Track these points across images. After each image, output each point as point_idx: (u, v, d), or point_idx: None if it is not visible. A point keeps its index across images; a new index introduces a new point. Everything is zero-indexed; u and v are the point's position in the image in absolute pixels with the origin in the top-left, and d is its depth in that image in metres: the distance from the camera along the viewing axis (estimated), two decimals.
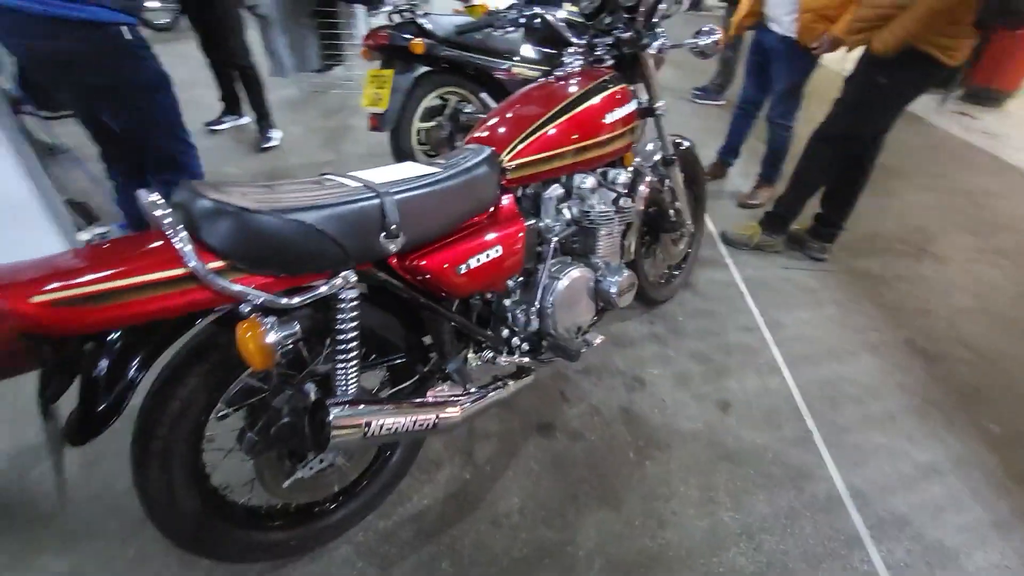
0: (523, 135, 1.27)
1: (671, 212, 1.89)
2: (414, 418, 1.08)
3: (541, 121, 1.29)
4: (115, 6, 1.40)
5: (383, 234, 0.98)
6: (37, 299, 0.72)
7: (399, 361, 1.23)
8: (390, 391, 1.23)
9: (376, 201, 0.97)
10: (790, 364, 1.94)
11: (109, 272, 0.77)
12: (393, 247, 1.01)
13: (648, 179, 1.75)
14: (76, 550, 1.23)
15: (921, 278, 2.52)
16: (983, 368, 2.00)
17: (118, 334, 0.86)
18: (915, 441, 1.68)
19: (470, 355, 1.34)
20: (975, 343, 2.12)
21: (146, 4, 5.15)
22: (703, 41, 1.52)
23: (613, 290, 1.44)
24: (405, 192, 1.02)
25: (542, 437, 1.60)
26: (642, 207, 1.75)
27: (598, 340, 1.48)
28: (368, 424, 1.00)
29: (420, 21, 2.41)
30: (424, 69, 2.57)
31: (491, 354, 1.36)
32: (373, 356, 1.20)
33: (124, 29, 1.44)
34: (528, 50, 2.63)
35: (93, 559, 1.22)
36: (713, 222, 2.83)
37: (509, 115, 1.34)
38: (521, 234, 1.26)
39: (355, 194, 0.96)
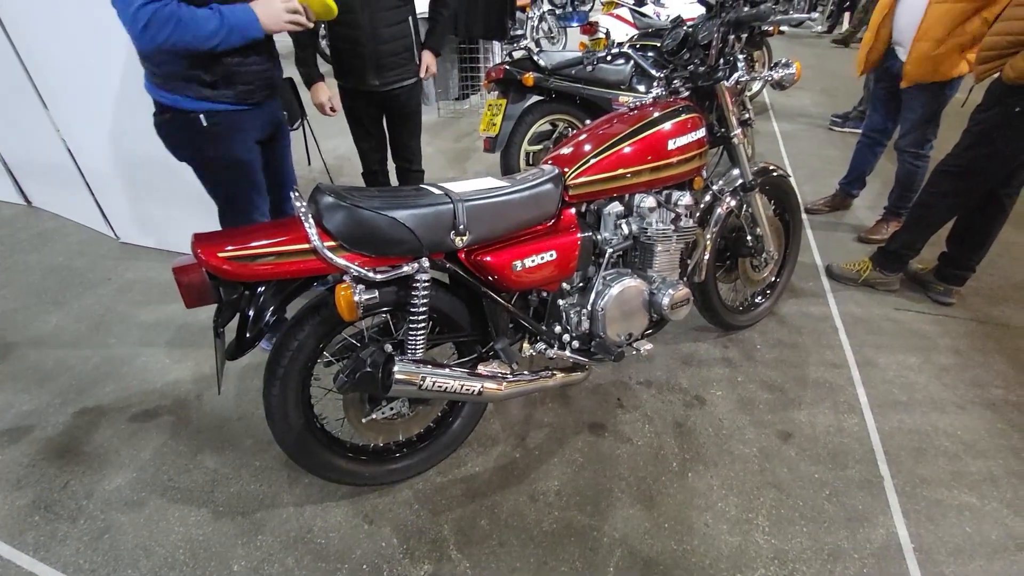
0: (588, 156, 1.45)
1: (750, 238, 1.91)
2: (462, 383, 1.31)
3: (607, 144, 1.47)
4: (197, 95, 1.49)
5: (452, 232, 1.24)
6: (220, 254, 1.09)
7: (464, 339, 1.47)
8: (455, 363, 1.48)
9: (449, 206, 1.23)
10: (875, 407, 1.81)
11: (263, 241, 1.12)
12: (460, 243, 1.26)
13: (727, 203, 1.80)
14: (222, 454, 1.66)
15: None
16: None
17: (264, 287, 1.22)
18: (1016, 509, 1.49)
19: (525, 344, 1.53)
20: None
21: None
22: (778, 74, 1.57)
23: (665, 302, 1.54)
24: (475, 200, 1.27)
25: (591, 435, 1.73)
26: (716, 230, 1.80)
27: (647, 347, 1.58)
28: (423, 379, 1.26)
29: (535, 56, 2.71)
30: (536, 99, 2.86)
31: (543, 346, 1.54)
32: (443, 332, 1.46)
33: (202, 116, 1.51)
34: (638, 81, 2.79)
35: (232, 463, 1.63)
36: (821, 255, 2.68)
37: (581, 138, 1.53)
38: (577, 243, 1.44)
39: (436, 200, 1.23)
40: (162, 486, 1.56)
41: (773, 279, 2.17)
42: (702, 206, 1.84)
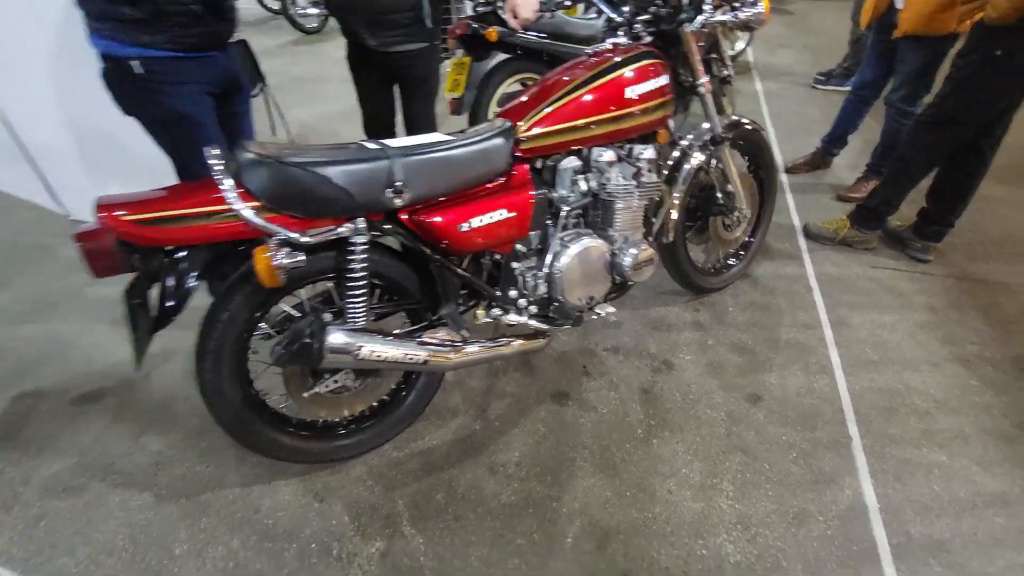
0: (540, 107, 1.34)
1: (720, 195, 1.82)
2: (405, 352, 1.23)
3: (560, 94, 1.36)
4: (132, 40, 1.34)
5: (389, 190, 1.14)
6: (128, 217, 0.99)
7: (414, 307, 1.39)
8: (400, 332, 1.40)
9: (385, 162, 1.12)
10: (847, 367, 1.76)
11: (176, 203, 1.02)
12: (399, 201, 1.16)
13: (696, 159, 1.71)
14: (167, 436, 1.58)
15: None
16: None
17: (186, 253, 1.11)
18: (986, 467, 1.45)
19: (480, 311, 1.45)
20: None
21: (299, 10, 6.00)
22: (744, 13, 1.46)
23: (628, 263, 1.46)
24: (414, 156, 1.16)
25: (555, 404, 1.67)
26: (685, 188, 1.72)
27: (608, 310, 1.51)
28: (360, 348, 1.17)
29: (499, 10, 2.55)
30: (503, 57, 2.70)
31: (499, 312, 1.46)
32: (391, 299, 1.37)
33: (137, 63, 1.36)
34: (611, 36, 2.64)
35: (178, 444, 1.55)
36: (799, 215, 2.61)
37: (534, 90, 1.42)
38: (530, 201, 1.35)
39: (370, 155, 1.12)
40: (103, 470, 1.48)
41: (747, 239, 2.09)
42: (670, 162, 1.75)
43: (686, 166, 1.71)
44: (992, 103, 1.85)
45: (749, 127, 1.89)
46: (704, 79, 1.58)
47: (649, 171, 1.49)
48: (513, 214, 1.32)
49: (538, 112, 1.34)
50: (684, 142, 1.72)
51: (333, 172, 1.08)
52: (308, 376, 1.33)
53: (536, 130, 1.32)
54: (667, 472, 1.45)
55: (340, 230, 1.13)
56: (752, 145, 1.95)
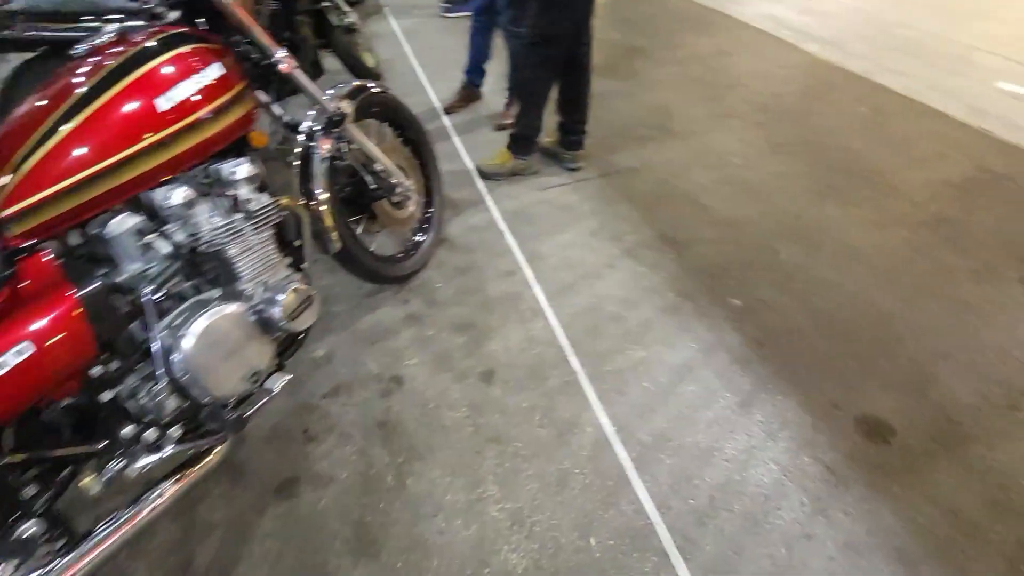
0: (16, 167, 0.84)
1: (370, 178, 1.58)
2: None
3: (42, 133, 0.86)
4: None
5: None
6: None
7: None
8: None
9: None
10: (552, 301, 1.83)
11: None
12: None
13: (322, 149, 1.41)
14: None
15: (667, 162, 2.56)
16: (725, 244, 2.08)
17: None
18: (670, 343, 1.69)
19: (86, 481, 0.96)
20: (718, 218, 2.21)
21: None
22: None
23: (277, 315, 1.12)
24: None
25: (282, 500, 1.31)
26: (323, 185, 1.42)
27: (280, 383, 1.18)
28: None
29: None
30: (16, 61, 1.84)
31: (122, 464, 0.99)
32: None
33: None
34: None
35: None
36: (470, 156, 2.59)
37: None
38: (73, 307, 0.87)
39: None
40: None
41: (426, 210, 1.95)
42: (296, 162, 1.42)
43: (315, 160, 1.41)
44: (572, 16, 1.99)
45: (376, 91, 1.65)
46: (281, 54, 1.23)
47: (255, 191, 1.13)
48: (53, 340, 0.84)
49: (15, 173, 0.83)
50: (301, 134, 1.40)
51: None
52: None
53: (21, 204, 0.83)
54: (431, 510, 1.29)
55: None
56: (387, 109, 1.74)
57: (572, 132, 2.40)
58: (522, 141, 2.36)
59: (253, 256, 1.12)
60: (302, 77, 1.31)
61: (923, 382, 1.57)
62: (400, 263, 1.82)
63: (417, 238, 1.92)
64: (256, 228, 1.13)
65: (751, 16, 4.22)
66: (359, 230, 1.67)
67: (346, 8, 3.12)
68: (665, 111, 2.98)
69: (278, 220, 1.19)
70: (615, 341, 1.69)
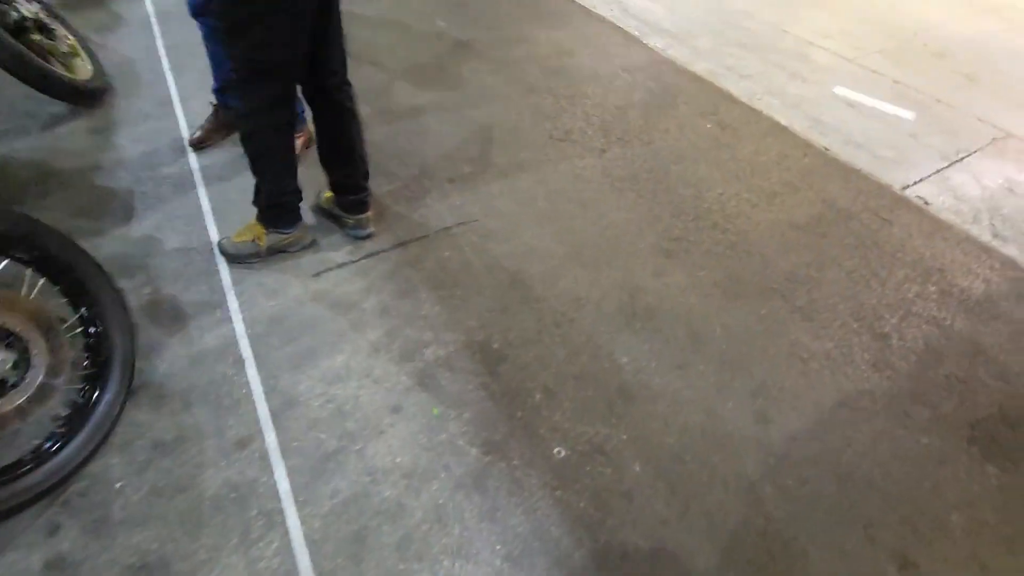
0: None
1: None
2: None
3: None
4: None
5: None
6: None
7: None
8: None
9: None
10: (301, 493, 1.23)
11: None
12: None
13: None
14: None
15: (488, 213, 2.01)
16: (553, 347, 1.60)
17: None
18: (470, 553, 1.18)
19: None
20: (547, 305, 1.72)
21: None
22: None
23: None
24: None
25: None
26: None
27: None
28: None
29: None
30: None
31: None
32: None
33: None
34: None
35: None
36: (217, 223, 1.84)
37: None
38: None
39: None
40: None
41: (86, 370, 1.21)
42: None
43: None
44: (291, 32, 1.32)
45: None
46: None
47: None
48: None
49: None
50: None
51: None
52: None
53: None
54: None
55: None
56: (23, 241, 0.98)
57: (349, 191, 1.75)
58: (275, 210, 1.67)
59: None
60: None
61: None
62: (19, 479, 1.09)
63: (60, 430, 1.18)
64: None
65: (595, 1, 3.75)
66: None
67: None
68: (492, 134, 2.42)
69: None
70: (389, 562, 1.15)
